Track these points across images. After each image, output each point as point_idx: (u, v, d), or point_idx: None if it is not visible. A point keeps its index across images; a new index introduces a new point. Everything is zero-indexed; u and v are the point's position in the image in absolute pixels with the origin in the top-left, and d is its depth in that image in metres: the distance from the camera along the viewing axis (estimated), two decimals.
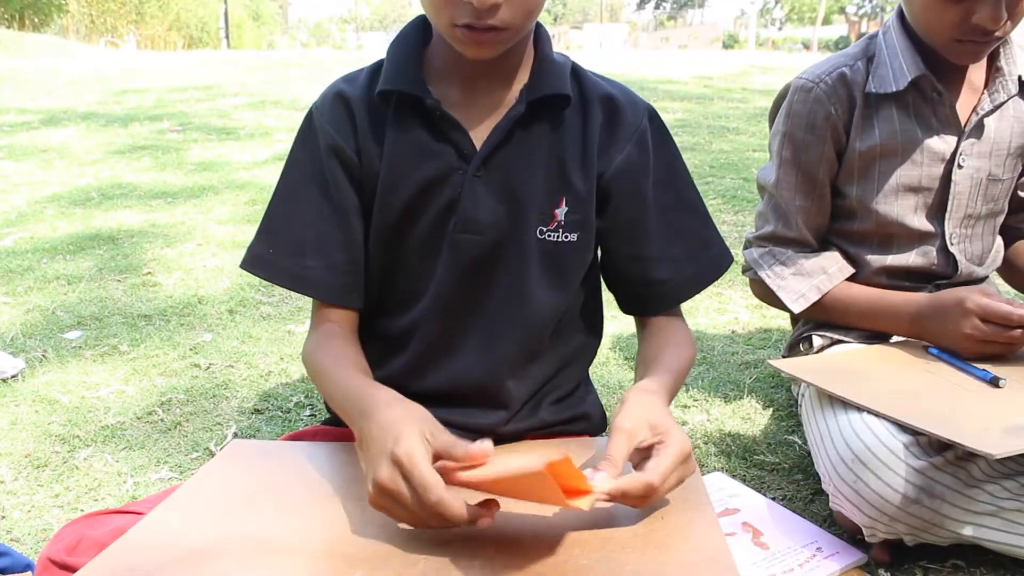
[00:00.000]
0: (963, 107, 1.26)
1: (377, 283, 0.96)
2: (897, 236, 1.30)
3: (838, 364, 1.23)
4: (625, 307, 1.04)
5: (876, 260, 1.31)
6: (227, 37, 29.23)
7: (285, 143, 4.55)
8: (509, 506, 0.75)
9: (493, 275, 0.92)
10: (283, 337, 1.98)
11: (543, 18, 0.92)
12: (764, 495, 1.22)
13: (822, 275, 1.31)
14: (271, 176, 3.69)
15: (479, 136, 0.90)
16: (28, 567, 0.93)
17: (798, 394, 1.36)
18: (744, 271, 1.42)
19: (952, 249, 1.30)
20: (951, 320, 1.16)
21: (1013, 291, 1.62)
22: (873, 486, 1.00)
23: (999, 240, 1.40)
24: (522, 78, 0.92)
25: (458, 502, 0.67)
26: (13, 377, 1.74)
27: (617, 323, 1.96)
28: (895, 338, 1.31)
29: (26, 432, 1.52)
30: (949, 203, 1.28)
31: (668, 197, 0.97)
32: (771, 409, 1.57)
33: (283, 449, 0.94)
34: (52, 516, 1.26)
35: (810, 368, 1.21)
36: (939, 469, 0.98)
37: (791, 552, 1.07)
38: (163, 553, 0.70)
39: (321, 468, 0.87)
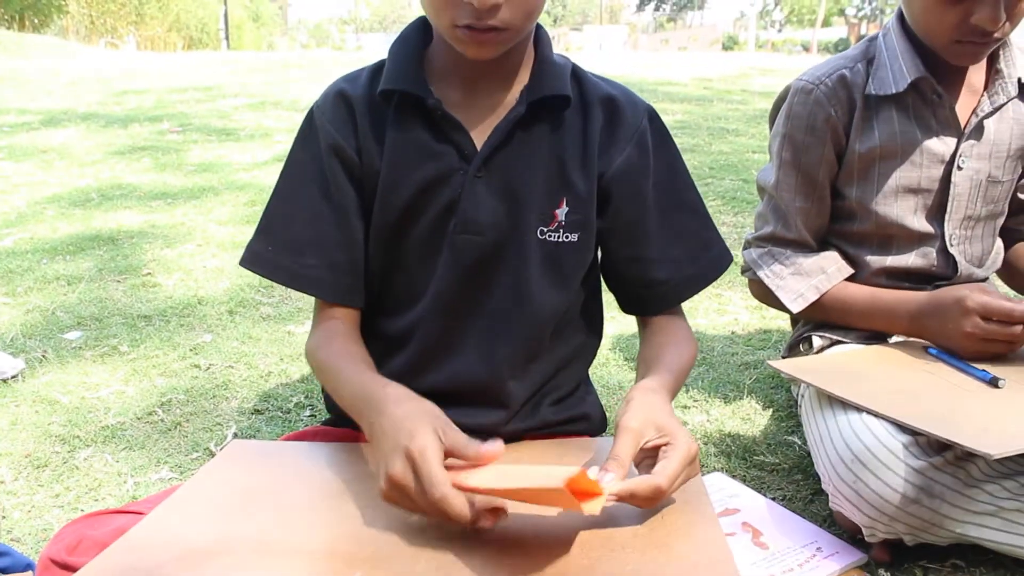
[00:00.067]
0: (963, 109, 1.26)
1: (377, 283, 0.97)
2: (897, 237, 1.30)
3: (838, 364, 1.23)
4: (625, 307, 1.04)
5: (876, 261, 1.32)
6: (227, 38, 29.24)
7: (285, 144, 4.55)
8: (510, 505, 0.75)
9: (493, 275, 0.93)
10: (283, 338, 1.98)
11: (542, 20, 0.92)
12: (764, 495, 1.22)
13: (821, 275, 1.31)
14: (271, 177, 3.69)
15: (479, 137, 0.90)
16: (29, 567, 0.93)
17: (798, 395, 1.36)
18: (743, 272, 1.42)
19: (952, 250, 1.30)
20: (951, 319, 1.16)
21: (1013, 293, 1.62)
22: (872, 486, 1.00)
23: (999, 242, 1.40)
24: (522, 79, 0.92)
25: (461, 500, 0.67)
26: (13, 377, 1.74)
27: (617, 323, 1.96)
28: (894, 338, 1.31)
29: (26, 432, 1.52)
30: (949, 204, 1.28)
31: (668, 198, 0.98)
32: (771, 409, 1.57)
33: (283, 449, 0.94)
34: (52, 516, 1.26)
35: (810, 369, 1.21)
36: (938, 469, 0.99)
37: (791, 552, 1.07)
38: (163, 553, 0.70)
39: (321, 468, 0.88)
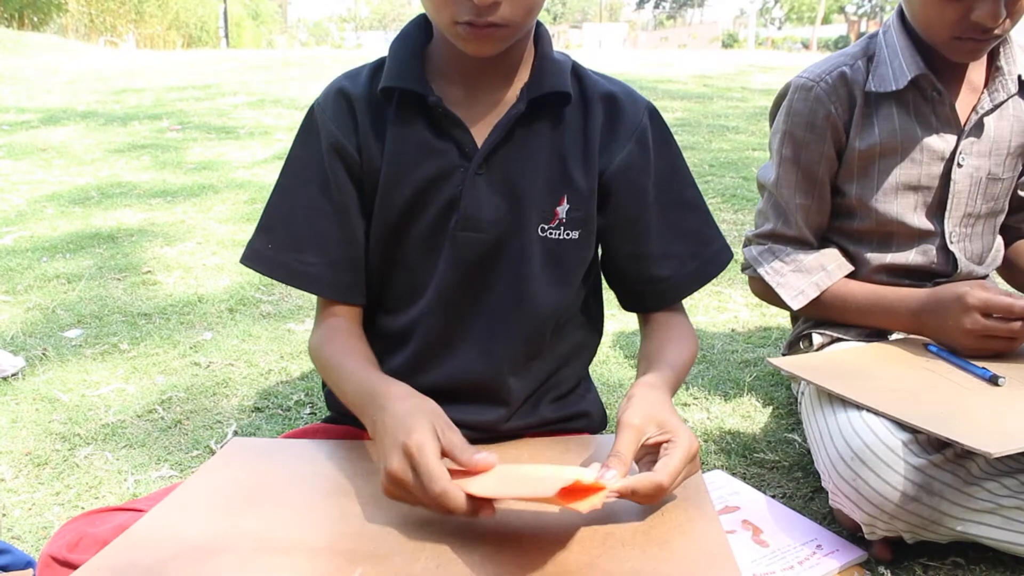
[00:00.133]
0: (963, 106, 1.26)
1: (378, 280, 0.97)
2: (897, 234, 1.30)
3: (837, 362, 1.23)
4: (626, 304, 1.04)
5: (876, 258, 1.31)
6: (226, 36, 29.22)
7: (285, 142, 4.55)
8: (511, 502, 0.75)
9: (494, 273, 0.93)
10: (283, 335, 1.98)
11: (542, 17, 0.92)
12: (764, 493, 1.22)
13: (821, 272, 1.31)
14: (271, 175, 3.70)
15: (480, 134, 0.90)
16: (29, 564, 0.93)
17: (798, 392, 1.36)
18: (743, 269, 1.42)
19: (952, 248, 1.30)
20: (951, 315, 1.16)
21: (1014, 291, 1.62)
22: (872, 484, 1.00)
23: (999, 239, 1.40)
24: (523, 76, 0.92)
25: (460, 494, 0.68)
26: (13, 375, 1.74)
27: (617, 321, 1.96)
28: (895, 336, 1.31)
29: (26, 430, 1.52)
30: (949, 202, 1.28)
31: (669, 195, 0.98)
32: (771, 407, 1.57)
33: (283, 447, 0.94)
34: (53, 514, 1.26)
35: (809, 366, 1.21)
36: (938, 467, 0.99)
37: (791, 550, 1.07)
38: (164, 550, 0.70)
39: (321, 466, 0.88)
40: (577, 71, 0.95)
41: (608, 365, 1.80)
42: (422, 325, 0.94)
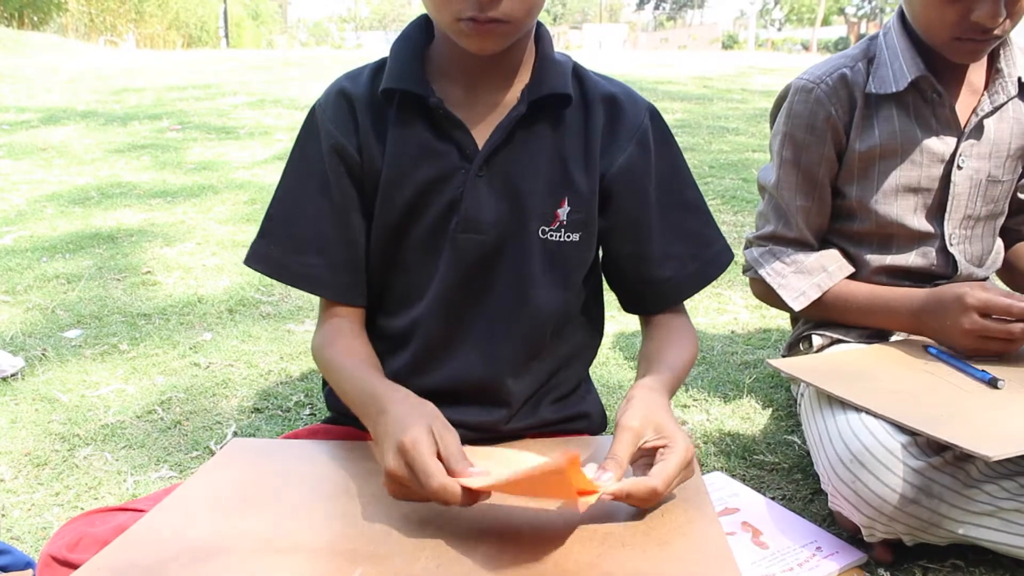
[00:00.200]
0: (963, 108, 1.26)
1: (378, 281, 0.97)
2: (897, 236, 1.31)
3: (837, 364, 1.23)
4: (627, 306, 1.04)
5: (876, 260, 1.32)
6: (226, 36, 29.22)
7: (284, 142, 4.55)
8: (511, 501, 0.75)
9: (495, 275, 0.93)
10: (283, 336, 1.98)
11: (541, 18, 0.92)
12: (764, 495, 1.22)
13: (822, 273, 1.31)
14: (271, 175, 3.70)
15: (481, 136, 0.90)
16: (29, 565, 0.93)
17: (797, 394, 1.36)
18: (744, 271, 1.42)
19: (952, 250, 1.30)
20: (951, 316, 1.16)
21: (1015, 293, 1.62)
22: (871, 486, 1.00)
23: (999, 242, 1.40)
24: (523, 78, 0.92)
25: (457, 488, 0.70)
26: (13, 376, 1.74)
27: (617, 322, 1.96)
28: (894, 337, 1.31)
29: (26, 431, 1.52)
30: (948, 204, 1.29)
31: (670, 196, 0.98)
32: (770, 409, 1.57)
33: (283, 448, 0.94)
34: (52, 514, 1.26)
35: (809, 368, 1.21)
36: (937, 469, 0.99)
37: (791, 552, 1.07)
38: (164, 550, 0.70)
39: (321, 466, 0.88)
40: (578, 72, 0.95)
41: (608, 366, 1.80)
42: (422, 326, 0.94)
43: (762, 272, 1.35)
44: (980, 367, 1.13)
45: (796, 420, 1.51)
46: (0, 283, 2.35)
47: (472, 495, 0.70)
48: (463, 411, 0.92)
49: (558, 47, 0.95)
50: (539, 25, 0.93)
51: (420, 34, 0.93)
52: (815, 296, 1.31)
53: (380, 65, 0.94)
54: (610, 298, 1.05)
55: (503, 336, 0.94)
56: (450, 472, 0.72)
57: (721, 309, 2.12)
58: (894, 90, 1.24)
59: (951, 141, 1.26)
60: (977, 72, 1.27)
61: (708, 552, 0.70)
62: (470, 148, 0.90)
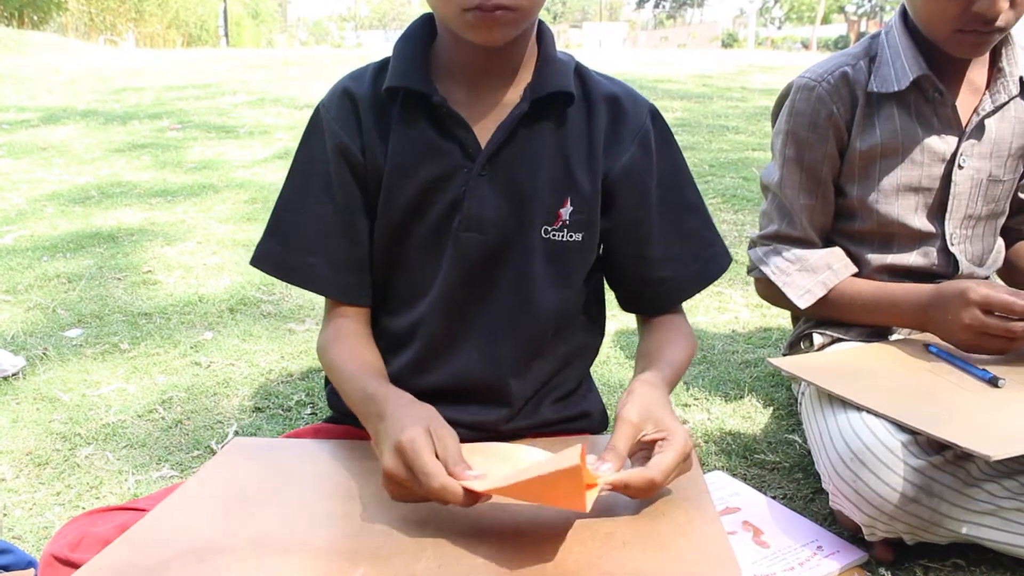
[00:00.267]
0: (964, 107, 1.26)
1: (381, 281, 0.97)
2: (898, 236, 1.30)
3: (838, 363, 1.23)
4: (625, 305, 1.04)
5: (877, 259, 1.32)
6: (226, 35, 29.21)
7: (285, 141, 4.55)
8: (512, 501, 0.75)
9: (497, 274, 0.93)
10: (284, 335, 1.98)
11: (542, 16, 0.92)
12: (764, 494, 1.22)
13: (827, 271, 1.31)
14: (271, 174, 3.69)
15: (483, 135, 0.90)
16: (31, 564, 0.93)
17: (798, 393, 1.36)
18: (749, 271, 1.42)
19: (953, 249, 1.30)
20: (952, 310, 1.16)
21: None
22: (872, 485, 1.00)
23: (1000, 241, 1.40)
24: (525, 77, 0.92)
25: (458, 487, 0.70)
26: (14, 375, 1.74)
27: (618, 321, 1.96)
28: (895, 336, 1.31)
29: (27, 430, 1.52)
30: (949, 203, 1.29)
31: (671, 197, 0.98)
32: (771, 408, 1.57)
33: (284, 447, 0.94)
34: (53, 514, 1.26)
35: (810, 367, 1.21)
36: (938, 468, 0.99)
37: (791, 551, 1.07)
38: (165, 550, 0.70)
39: (322, 466, 0.88)
40: (580, 72, 0.95)
41: (609, 365, 1.80)
42: (424, 326, 0.94)
43: (766, 271, 1.34)
44: (981, 366, 1.13)
45: (797, 419, 1.51)
46: (1, 282, 2.35)
47: (473, 496, 0.70)
48: (464, 410, 0.92)
49: (558, 45, 0.95)
50: (541, 24, 0.93)
51: (423, 33, 0.93)
52: (821, 294, 1.30)
53: (383, 64, 0.94)
54: (610, 297, 1.05)
55: (505, 335, 0.94)
56: (448, 473, 0.72)
57: (722, 308, 2.12)
58: (896, 89, 1.23)
59: (952, 140, 1.26)
60: (978, 71, 1.27)
61: (709, 552, 0.70)
62: (473, 147, 0.90)
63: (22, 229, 2.92)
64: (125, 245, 2.71)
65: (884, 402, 1.05)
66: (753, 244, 1.40)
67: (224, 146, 4.50)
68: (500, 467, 0.76)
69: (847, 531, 1.13)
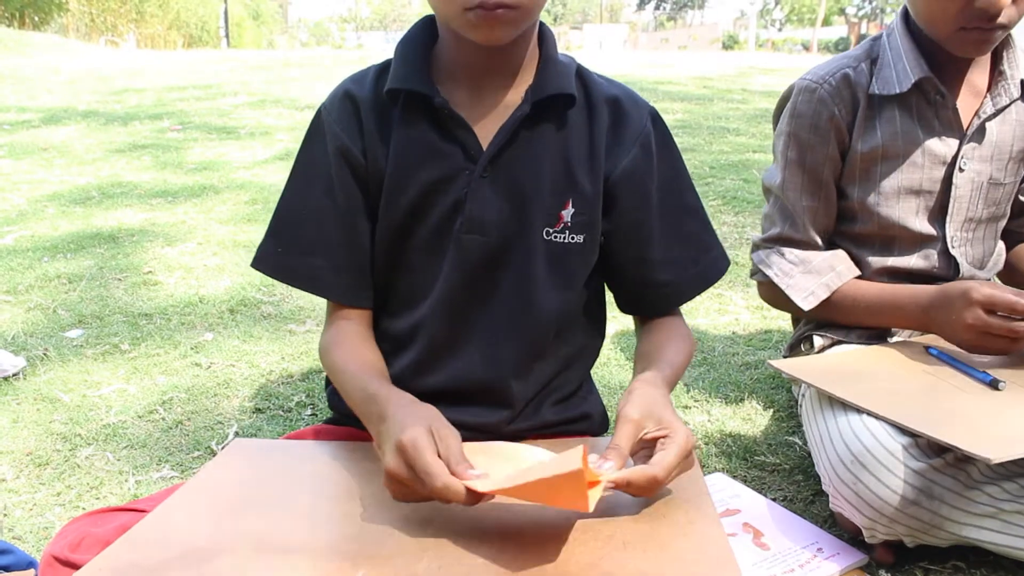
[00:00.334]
0: (965, 110, 1.26)
1: (383, 282, 0.97)
2: (898, 238, 1.30)
3: (838, 365, 1.23)
4: (625, 307, 1.04)
5: (877, 262, 1.31)
6: (227, 36, 29.23)
7: (285, 142, 4.55)
8: (514, 501, 0.75)
9: (498, 276, 0.93)
10: (284, 336, 1.98)
11: (542, 18, 0.92)
12: (765, 496, 1.22)
13: (831, 273, 1.31)
14: (271, 175, 3.70)
15: (485, 136, 0.90)
16: (31, 564, 0.94)
17: (798, 395, 1.36)
18: (752, 274, 1.41)
19: (953, 252, 1.30)
20: (955, 310, 1.15)
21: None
22: (872, 487, 1.00)
23: (1001, 244, 1.40)
24: (527, 78, 0.92)
25: (461, 487, 0.70)
26: (14, 375, 1.74)
27: (618, 323, 1.96)
28: (895, 339, 1.31)
29: (27, 430, 1.52)
30: (950, 206, 1.29)
31: (671, 200, 0.98)
32: (772, 410, 1.57)
33: (285, 448, 0.95)
34: (54, 514, 1.26)
35: (810, 369, 1.21)
36: (938, 471, 0.99)
37: (792, 553, 1.07)
38: (166, 550, 0.70)
39: (323, 467, 0.88)
40: (581, 74, 0.95)
41: (609, 367, 1.80)
42: (426, 327, 0.94)
43: (770, 273, 1.34)
44: (981, 369, 1.13)
45: (797, 421, 1.51)
46: (1, 283, 2.35)
47: (476, 495, 0.70)
48: (466, 412, 0.92)
49: (558, 47, 0.95)
50: (542, 26, 0.93)
51: (424, 35, 0.94)
52: (824, 296, 1.30)
53: (384, 66, 0.94)
54: (610, 299, 1.05)
55: (506, 337, 0.94)
56: (451, 473, 0.72)
57: (722, 310, 2.12)
58: (897, 91, 1.23)
59: (953, 143, 1.26)
60: (980, 74, 1.27)
61: (709, 553, 0.70)
62: (474, 149, 0.90)
63: (23, 229, 2.93)
64: (126, 246, 2.71)
65: (884, 404, 1.05)
66: (756, 247, 1.40)
67: (225, 147, 4.50)
68: (502, 467, 0.76)
69: (847, 533, 1.13)
